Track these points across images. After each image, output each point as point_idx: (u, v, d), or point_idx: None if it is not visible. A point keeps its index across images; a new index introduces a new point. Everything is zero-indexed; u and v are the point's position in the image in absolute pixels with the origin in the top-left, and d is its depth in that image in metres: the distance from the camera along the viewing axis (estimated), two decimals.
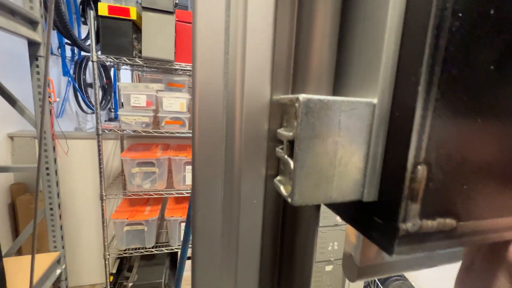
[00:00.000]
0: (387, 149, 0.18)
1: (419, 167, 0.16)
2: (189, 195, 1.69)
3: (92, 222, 1.91)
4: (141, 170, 1.54)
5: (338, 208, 0.23)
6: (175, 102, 1.53)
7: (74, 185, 1.84)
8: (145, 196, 1.61)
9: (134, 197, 1.58)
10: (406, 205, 0.16)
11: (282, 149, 0.20)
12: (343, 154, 0.17)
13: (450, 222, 0.18)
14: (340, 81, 0.20)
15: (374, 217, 0.18)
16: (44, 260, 1.28)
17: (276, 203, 0.23)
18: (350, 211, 0.21)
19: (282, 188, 0.19)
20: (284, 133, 0.18)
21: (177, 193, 1.63)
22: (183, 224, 1.67)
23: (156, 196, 1.61)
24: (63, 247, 1.46)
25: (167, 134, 1.54)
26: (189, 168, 1.66)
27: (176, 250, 1.69)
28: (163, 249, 1.65)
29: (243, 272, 0.23)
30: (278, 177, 0.21)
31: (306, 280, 0.26)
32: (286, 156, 0.18)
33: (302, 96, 0.16)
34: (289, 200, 0.17)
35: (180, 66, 1.49)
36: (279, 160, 0.21)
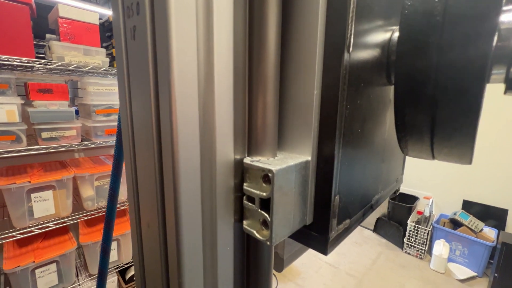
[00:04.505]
0: (317, 189, 0.27)
1: (336, 197, 0.26)
2: (47, 229, 1.28)
3: None
4: None
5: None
6: None
7: None
8: None
9: None
10: (331, 221, 0.26)
11: (250, 201, 0.24)
12: (296, 199, 0.24)
13: (347, 221, 0.29)
14: (283, 140, 0.27)
15: (311, 232, 0.27)
16: None
17: (242, 242, 0.28)
18: (297, 233, 0.29)
19: (257, 234, 0.24)
20: (256, 191, 0.23)
21: (20, 234, 1.20)
22: (36, 273, 1.25)
23: None
24: None
25: None
26: (36, 196, 1.25)
27: None
28: None
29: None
30: (246, 223, 0.25)
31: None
32: (259, 210, 0.23)
33: (275, 169, 0.21)
34: (268, 243, 0.23)
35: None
36: (242, 208, 0.26)
